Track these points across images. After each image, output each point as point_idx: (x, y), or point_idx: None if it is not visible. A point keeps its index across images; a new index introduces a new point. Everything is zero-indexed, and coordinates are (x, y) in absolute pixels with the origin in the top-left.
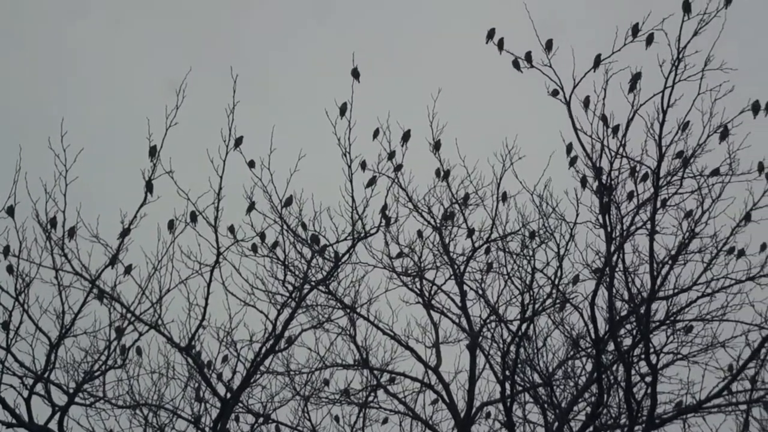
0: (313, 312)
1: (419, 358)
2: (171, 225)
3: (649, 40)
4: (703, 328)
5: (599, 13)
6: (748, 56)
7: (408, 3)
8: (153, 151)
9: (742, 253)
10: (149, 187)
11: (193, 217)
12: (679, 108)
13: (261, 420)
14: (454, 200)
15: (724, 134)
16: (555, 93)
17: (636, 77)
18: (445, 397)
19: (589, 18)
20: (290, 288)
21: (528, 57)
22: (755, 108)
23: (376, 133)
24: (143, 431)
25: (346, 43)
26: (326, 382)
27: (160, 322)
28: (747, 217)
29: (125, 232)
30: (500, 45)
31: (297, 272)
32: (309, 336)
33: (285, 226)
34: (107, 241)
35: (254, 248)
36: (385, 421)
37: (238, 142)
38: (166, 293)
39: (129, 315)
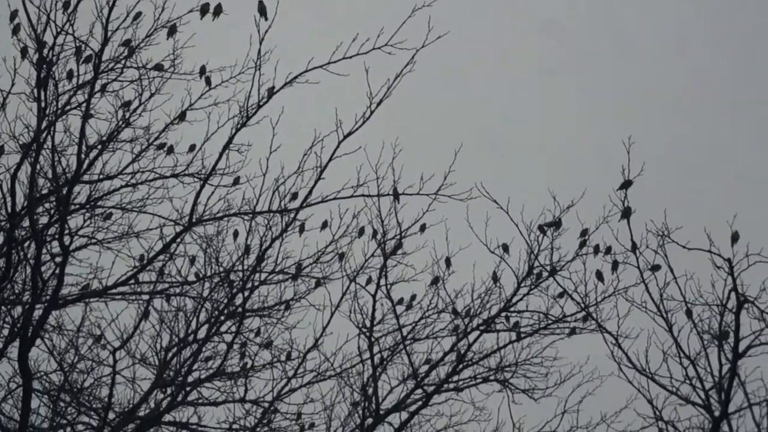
0: None
1: None
2: None
3: None
4: (122, 216)
5: None
6: None
7: None
8: None
9: (171, 150)
10: None
11: None
12: None
13: None
14: None
15: (172, 30)
16: None
17: None
18: None
19: None
20: None
21: None
22: (203, 10)
23: None
24: None
25: None
26: None
27: None
28: (182, 116)
29: None
30: None
31: None
32: None
33: None
34: None
35: None
36: None
37: None
38: None
39: None
